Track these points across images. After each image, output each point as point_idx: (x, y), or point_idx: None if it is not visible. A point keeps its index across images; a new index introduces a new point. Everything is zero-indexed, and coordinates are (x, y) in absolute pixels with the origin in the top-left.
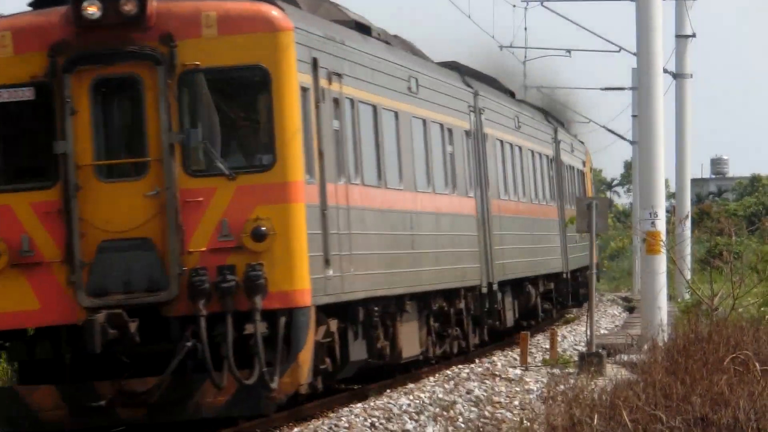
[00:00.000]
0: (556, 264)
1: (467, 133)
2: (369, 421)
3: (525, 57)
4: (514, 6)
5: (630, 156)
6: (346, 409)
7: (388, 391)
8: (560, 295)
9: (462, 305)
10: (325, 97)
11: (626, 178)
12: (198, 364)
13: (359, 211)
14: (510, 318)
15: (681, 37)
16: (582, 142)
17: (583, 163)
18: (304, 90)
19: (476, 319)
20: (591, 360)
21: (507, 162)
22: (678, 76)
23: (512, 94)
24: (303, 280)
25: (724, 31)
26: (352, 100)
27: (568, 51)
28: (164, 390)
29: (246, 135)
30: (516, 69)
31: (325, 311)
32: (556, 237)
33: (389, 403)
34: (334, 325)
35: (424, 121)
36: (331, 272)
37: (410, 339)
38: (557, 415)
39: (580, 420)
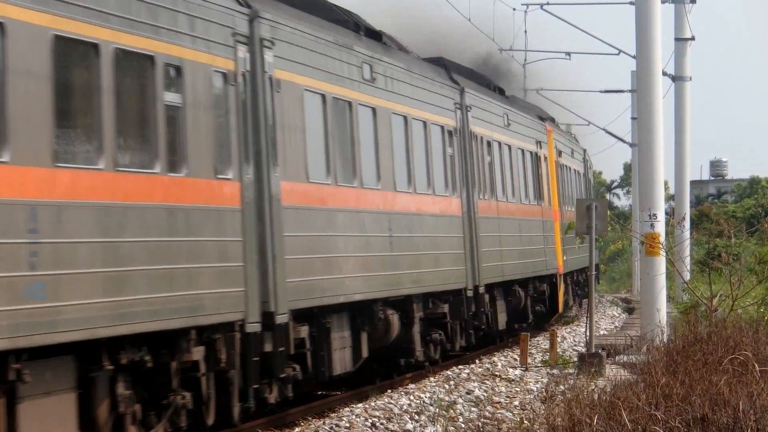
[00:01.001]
0: (450, 277)
1: (226, 76)
2: (370, 421)
3: (525, 60)
4: (514, 9)
5: (629, 158)
6: (347, 409)
7: (389, 391)
8: (463, 319)
9: (199, 356)
10: None
11: (626, 180)
12: None
13: None
14: (342, 362)
15: (680, 40)
16: (544, 120)
17: (539, 144)
18: None
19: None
20: (590, 361)
21: (338, 129)
22: (677, 78)
23: (377, 36)
24: None
25: (723, 34)
26: None
27: (568, 54)
28: None
29: None
30: (516, 71)
31: None
32: (456, 240)
33: (390, 403)
34: None
35: (119, 52)
36: None
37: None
38: (557, 415)
39: (579, 420)
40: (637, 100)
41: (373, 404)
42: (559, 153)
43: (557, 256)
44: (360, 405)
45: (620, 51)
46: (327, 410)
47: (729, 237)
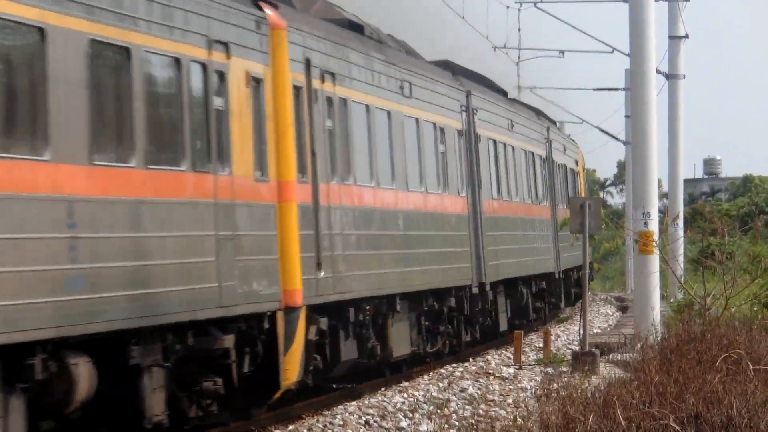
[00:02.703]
0: None
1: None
2: (363, 419)
3: (518, 58)
4: (508, 7)
5: (623, 156)
6: (340, 407)
7: (383, 389)
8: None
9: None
10: None
11: (619, 179)
12: None
13: None
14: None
15: (674, 38)
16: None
17: (224, 47)
18: None
19: None
20: (584, 359)
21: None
22: (671, 76)
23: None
24: None
25: (717, 33)
26: None
27: (562, 52)
28: None
29: None
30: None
31: None
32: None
33: (383, 401)
34: None
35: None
36: None
37: None
38: (551, 413)
39: (573, 418)
40: (630, 98)
41: (366, 402)
42: (323, 76)
43: (285, 271)
44: (354, 403)
45: (614, 49)
46: (321, 407)
47: (722, 235)
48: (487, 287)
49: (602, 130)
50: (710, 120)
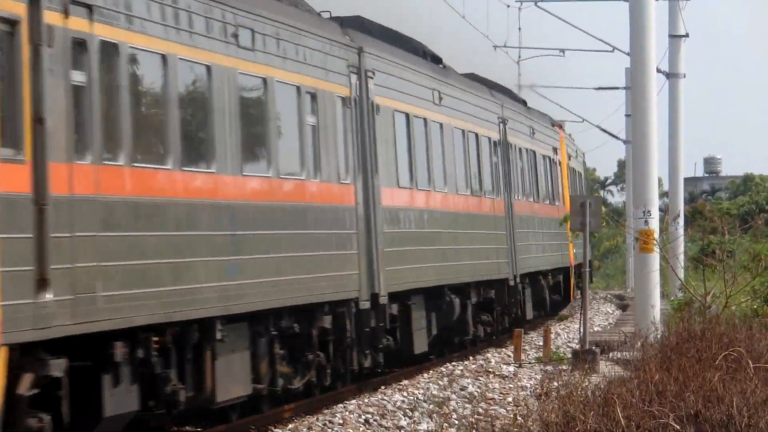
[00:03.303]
0: None
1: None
2: (363, 417)
3: (519, 57)
4: (508, 6)
5: (623, 155)
6: (340, 405)
7: (383, 387)
8: None
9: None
10: None
11: (620, 177)
12: None
13: None
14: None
15: (674, 37)
16: None
17: None
18: None
19: None
20: (584, 357)
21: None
22: (671, 75)
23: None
24: None
25: (717, 31)
26: None
27: (562, 51)
28: None
29: None
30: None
31: None
32: None
33: (383, 399)
34: None
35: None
36: None
37: None
38: (551, 412)
39: (573, 417)
40: (631, 97)
41: (366, 400)
42: (67, 8)
43: None
44: (353, 401)
45: (614, 48)
46: (320, 406)
47: (723, 234)
48: (382, 299)
49: (602, 129)
50: (710, 119)
